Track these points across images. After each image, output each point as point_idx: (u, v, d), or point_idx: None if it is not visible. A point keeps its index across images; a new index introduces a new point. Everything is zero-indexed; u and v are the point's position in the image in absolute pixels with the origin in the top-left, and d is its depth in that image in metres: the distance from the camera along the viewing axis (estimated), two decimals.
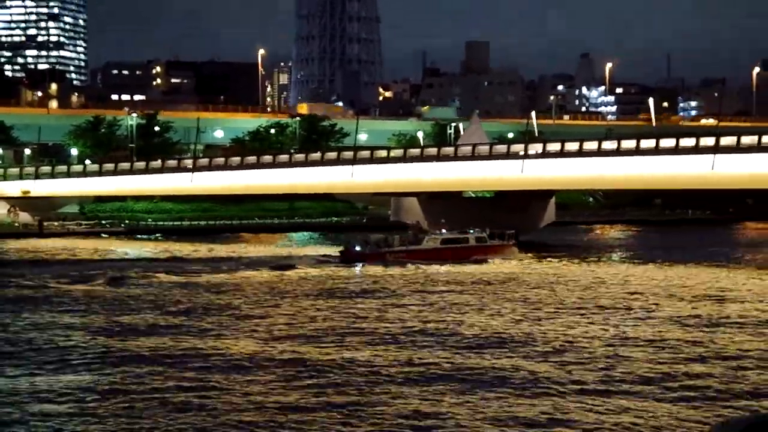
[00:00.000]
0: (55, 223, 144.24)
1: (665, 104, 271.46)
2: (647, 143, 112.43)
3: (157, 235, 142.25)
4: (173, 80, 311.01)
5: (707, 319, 59.12)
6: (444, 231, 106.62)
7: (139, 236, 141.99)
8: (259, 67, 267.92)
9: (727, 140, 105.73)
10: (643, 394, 39.52)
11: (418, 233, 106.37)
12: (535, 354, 48.65)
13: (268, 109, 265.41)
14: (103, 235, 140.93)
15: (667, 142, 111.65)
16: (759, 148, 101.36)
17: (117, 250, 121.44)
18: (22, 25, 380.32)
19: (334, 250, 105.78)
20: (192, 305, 68.57)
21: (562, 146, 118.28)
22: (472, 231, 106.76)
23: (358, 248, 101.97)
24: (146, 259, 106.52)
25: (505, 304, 66.40)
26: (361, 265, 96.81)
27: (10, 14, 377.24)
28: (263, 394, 41.15)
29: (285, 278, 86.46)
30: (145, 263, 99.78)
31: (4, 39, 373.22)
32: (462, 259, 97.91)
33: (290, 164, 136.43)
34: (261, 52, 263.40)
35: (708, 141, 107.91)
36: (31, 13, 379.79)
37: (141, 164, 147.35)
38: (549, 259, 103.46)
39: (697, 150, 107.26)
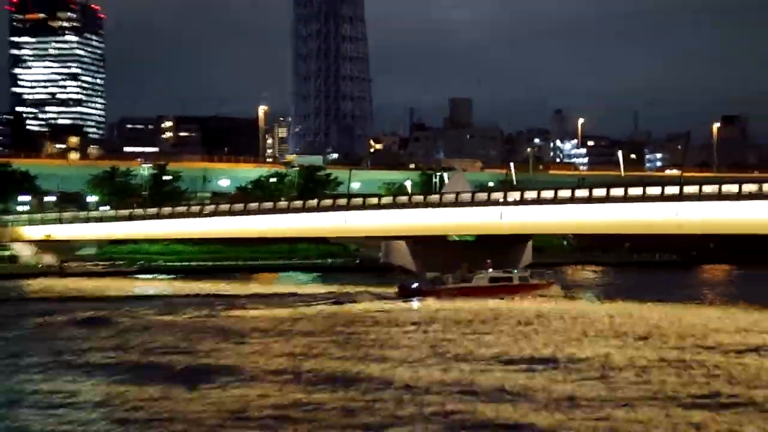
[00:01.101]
0: (75, 264, 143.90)
1: (633, 156, 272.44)
2: (616, 191, 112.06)
3: (173, 275, 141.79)
4: (181, 133, 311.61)
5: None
6: (491, 270, 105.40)
7: (154, 275, 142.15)
8: (261, 123, 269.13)
9: (690, 189, 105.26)
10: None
11: (466, 272, 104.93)
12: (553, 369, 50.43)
13: (269, 160, 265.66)
14: (131, 275, 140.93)
15: (635, 191, 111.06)
16: (719, 196, 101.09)
17: (141, 287, 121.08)
18: (46, 83, 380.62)
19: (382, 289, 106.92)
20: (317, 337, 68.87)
21: (539, 194, 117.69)
22: (515, 270, 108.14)
23: (414, 285, 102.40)
24: (208, 296, 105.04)
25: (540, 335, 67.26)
26: (417, 300, 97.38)
27: (35, 74, 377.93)
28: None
29: (354, 311, 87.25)
30: (207, 299, 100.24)
31: (28, 96, 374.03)
32: (507, 296, 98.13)
33: (289, 210, 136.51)
34: (263, 108, 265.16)
35: (673, 190, 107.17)
36: (54, 73, 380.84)
37: (153, 210, 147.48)
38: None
39: (662, 198, 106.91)
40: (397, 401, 43.38)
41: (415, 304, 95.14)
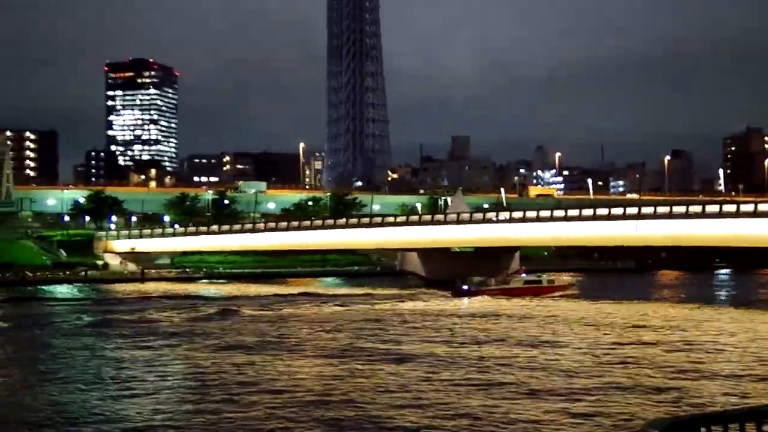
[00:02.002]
0: (153, 271, 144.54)
1: (600, 183, 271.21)
2: (587, 211, 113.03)
3: (230, 280, 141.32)
4: (238, 166, 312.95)
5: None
6: (524, 275, 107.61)
7: (215, 279, 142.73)
8: (300, 157, 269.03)
9: (646, 210, 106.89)
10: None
11: (505, 276, 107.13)
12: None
13: (307, 187, 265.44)
14: (201, 281, 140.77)
15: (602, 211, 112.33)
16: (670, 215, 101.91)
17: (208, 290, 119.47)
18: (132, 127, 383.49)
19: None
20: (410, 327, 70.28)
21: (524, 214, 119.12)
22: (545, 275, 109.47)
23: (465, 287, 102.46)
24: (297, 294, 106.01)
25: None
26: (467, 298, 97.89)
27: (124, 120, 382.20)
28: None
29: (420, 307, 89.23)
30: (302, 298, 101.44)
31: (119, 137, 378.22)
32: (537, 295, 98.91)
33: (323, 227, 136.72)
34: (302, 145, 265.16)
35: (632, 210, 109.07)
36: (138, 119, 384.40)
37: (214, 228, 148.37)
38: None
39: (624, 217, 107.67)
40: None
41: (466, 301, 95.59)
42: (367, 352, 54.82)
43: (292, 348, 58.15)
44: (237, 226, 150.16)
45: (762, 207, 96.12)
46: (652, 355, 51.74)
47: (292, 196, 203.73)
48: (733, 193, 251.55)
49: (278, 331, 68.55)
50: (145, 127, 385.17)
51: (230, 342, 62.33)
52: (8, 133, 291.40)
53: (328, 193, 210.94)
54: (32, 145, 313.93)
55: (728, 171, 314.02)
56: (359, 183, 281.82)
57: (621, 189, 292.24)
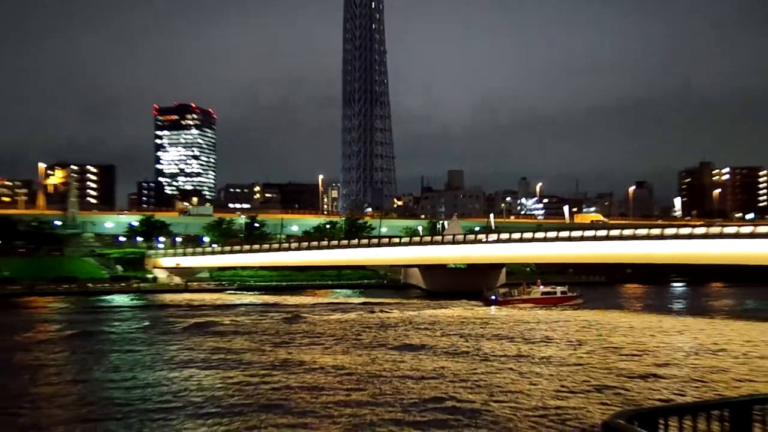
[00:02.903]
0: (195, 283, 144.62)
1: (575, 209, 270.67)
2: (563, 234, 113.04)
3: (260, 291, 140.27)
4: (267, 194, 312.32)
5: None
6: (541, 287, 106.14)
7: (247, 290, 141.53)
8: (319, 187, 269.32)
9: (614, 232, 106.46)
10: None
11: (525, 289, 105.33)
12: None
13: (325, 212, 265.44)
14: (229, 292, 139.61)
15: (576, 233, 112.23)
16: (634, 237, 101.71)
17: (244, 299, 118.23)
18: (177, 162, 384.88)
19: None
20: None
21: (510, 235, 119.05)
22: (558, 287, 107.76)
23: (493, 297, 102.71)
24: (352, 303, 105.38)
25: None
26: (495, 307, 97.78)
27: (170, 155, 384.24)
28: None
29: (450, 313, 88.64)
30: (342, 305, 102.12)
31: (166, 170, 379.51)
32: (553, 305, 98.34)
33: (338, 247, 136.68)
34: (321, 177, 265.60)
35: (602, 233, 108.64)
36: (182, 155, 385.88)
37: (247, 247, 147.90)
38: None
39: (595, 238, 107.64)
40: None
41: (494, 309, 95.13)
42: (440, 348, 55.65)
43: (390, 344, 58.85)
44: (266, 246, 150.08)
45: (712, 230, 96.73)
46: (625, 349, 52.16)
47: (312, 220, 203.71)
48: (687, 218, 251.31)
49: (357, 330, 68.71)
50: (188, 161, 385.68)
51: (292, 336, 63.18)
52: (74, 167, 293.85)
53: (343, 218, 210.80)
54: (94, 177, 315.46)
55: (684, 199, 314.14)
56: (369, 209, 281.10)
57: (593, 213, 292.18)
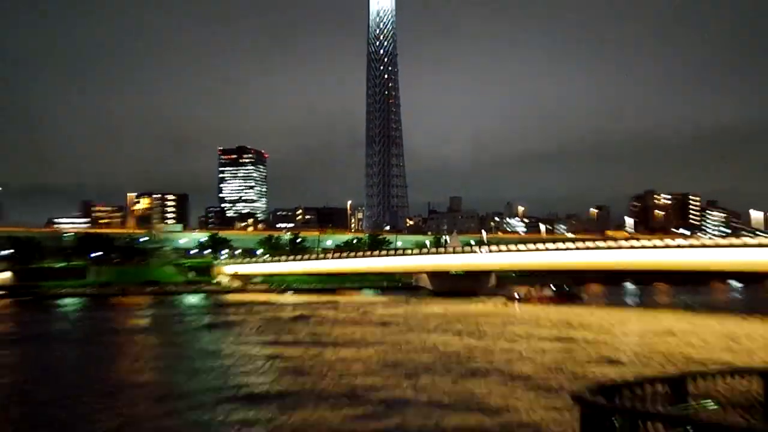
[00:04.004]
0: (251, 286, 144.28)
1: (549, 227, 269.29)
2: (540, 246, 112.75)
3: (302, 292, 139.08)
4: (306, 216, 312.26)
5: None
6: (553, 287, 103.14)
7: (292, 291, 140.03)
8: (348, 210, 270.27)
9: (579, 245, 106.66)
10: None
11: (540, 289, 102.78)
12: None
13: (352, 230, 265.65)
14: (287, 293, 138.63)
15: (550, 246, 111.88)
16: (596, 248, 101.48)
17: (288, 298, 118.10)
18: (236, 191, 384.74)
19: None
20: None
21: (498, 248, 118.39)
22: (566, 288, 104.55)
23: (516, 296, 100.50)
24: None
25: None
26: (518, 303, 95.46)
27: (231, 186, 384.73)
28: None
29: (488, 310, 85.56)
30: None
31: (227, 198, 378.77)
32: (561, 302, 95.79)
33: (363, 257, 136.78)
34: (349, 202, 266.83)
35: (570, 245, 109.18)
36: (240, 186, 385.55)
37: (291, 257, 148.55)
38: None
39: (565, 249, 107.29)
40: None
41: (517, 306, 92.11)
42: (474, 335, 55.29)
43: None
44: (306, 256, 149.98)
45: (656, 242, 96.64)
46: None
47: (342, 236, 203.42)
48: (636, 233, 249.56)
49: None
50: (245, 191, 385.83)
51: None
52: (156, 196, 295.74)
53: (367, 234, 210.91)
54: (171, 203, 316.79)
55: (634, 220, 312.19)
56: (387, 227, 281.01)
57: (562, 231, 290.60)
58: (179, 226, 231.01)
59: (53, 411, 29.36)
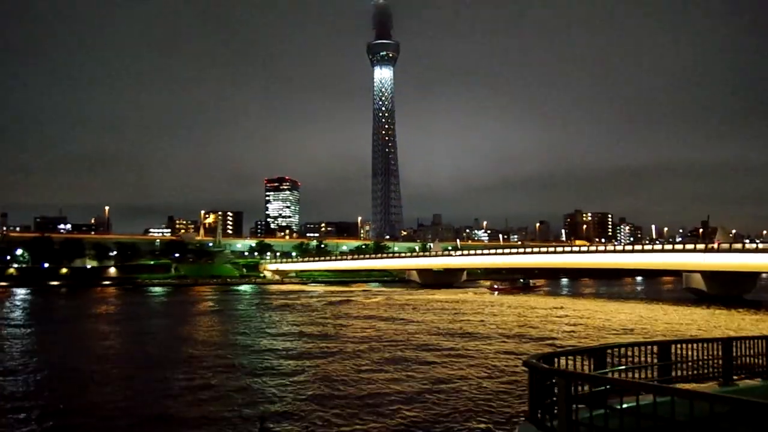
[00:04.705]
0: (286, 279, 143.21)
1: (505, 236, 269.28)
2: (499, 251, 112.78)
3: (324, 283, 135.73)
4: (329, 229, 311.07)
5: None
6: (522, 280, 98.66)
7: (317, 283, 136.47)
8: (358, 224, 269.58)
9: (527, 250, 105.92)
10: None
11: (514, 283, 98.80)
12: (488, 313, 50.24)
13: (362, 238, 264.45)
14: (308, 284, 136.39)
15: (506, 250, 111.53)
16: (540, 253, 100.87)
17: (315, 289, 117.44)
18: (278, 210, 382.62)
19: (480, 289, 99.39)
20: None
21: (468, 252, 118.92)
22: (531, 280, 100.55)
23: (495, 287, 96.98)
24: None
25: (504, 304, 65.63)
26: (496, 293, 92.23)
27: (274, 206, 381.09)
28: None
29: (466, 297, 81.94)
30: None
31: (271, 215, 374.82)
32: (528, 291, 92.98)
33: (369, 258, 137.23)
34: (360, 218, 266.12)
35: (521, 250, 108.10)
36: (281, 205, 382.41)
37: (317, 258, 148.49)
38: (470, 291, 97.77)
39: (517, 253, 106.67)
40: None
41: (496, 294, 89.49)
42: (459, 315, 53.94)
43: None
44: (328, 258, 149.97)
45: (582, 248, 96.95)
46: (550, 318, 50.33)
47: (354, 243, 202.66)
48: (569, 241, 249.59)
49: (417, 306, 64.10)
50: (284, 209, 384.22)
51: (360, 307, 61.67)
52: (219, 213, 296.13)
53: (372, 241, 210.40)
54: (231, 218, 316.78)
55: (567, 231, 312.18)
56: (387, 236, 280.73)
57: (515, 240, 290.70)
58: (236, 235, 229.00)
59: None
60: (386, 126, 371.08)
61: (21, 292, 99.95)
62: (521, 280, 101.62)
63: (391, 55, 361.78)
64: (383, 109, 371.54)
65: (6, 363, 29.92)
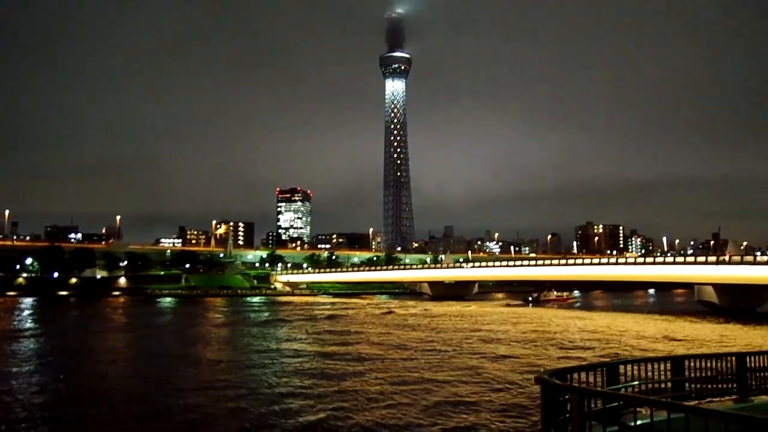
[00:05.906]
0: (297, 291, 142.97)
1: (517, 249, 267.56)
2: (511, 263, 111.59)
3: (336, 295, 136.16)
4: (340, 240, 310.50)
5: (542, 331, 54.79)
6: (555, 292, 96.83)
7: (328, 295, 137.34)
8: (370, 235, 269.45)
9: (539, 262, 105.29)
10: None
11: (548, 293, 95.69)
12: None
13: (373, 250, 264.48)
14: (318, 295, 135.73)
15: (518, 263, 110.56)
16: (551, 265, 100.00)
17: (328, 301, 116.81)
18: (289, 221, 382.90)
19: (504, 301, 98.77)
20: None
21: (480, 264, 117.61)
22: (565, 293, 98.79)
23: (530, 299, 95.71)
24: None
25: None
26: (531, 305, 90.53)
27: (285, 218, 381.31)
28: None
29: (501, 310, 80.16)
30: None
31: (282, 226, 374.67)
32: (562, 303, 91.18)
33: (381, 270, 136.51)
34: (371, 229, 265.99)
35: (532, 262, 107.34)
36: (292, 216, 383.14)
37: (328, 270, 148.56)
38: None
39: (529, 265, 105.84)
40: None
41: (531, 306, 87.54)
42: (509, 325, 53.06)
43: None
44: (339, 269, 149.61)
45: (593, 260, 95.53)
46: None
47: (365, 255, 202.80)
48: (580, 254, 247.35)
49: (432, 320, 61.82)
50: (295, 220, 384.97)
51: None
52: (231, 223, 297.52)
53: (384, 253, 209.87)
54: (242, 229, 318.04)
55: (578, 244, 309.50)
56: (399, 248, 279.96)
57: (527, 252, 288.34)
58: (247, 246, 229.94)
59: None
60: (398, 138, 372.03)
61: (27, 302, 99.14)
62: (530, 297, 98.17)
63: (403, 67, 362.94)
64: (395, 121, 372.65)
65: None
